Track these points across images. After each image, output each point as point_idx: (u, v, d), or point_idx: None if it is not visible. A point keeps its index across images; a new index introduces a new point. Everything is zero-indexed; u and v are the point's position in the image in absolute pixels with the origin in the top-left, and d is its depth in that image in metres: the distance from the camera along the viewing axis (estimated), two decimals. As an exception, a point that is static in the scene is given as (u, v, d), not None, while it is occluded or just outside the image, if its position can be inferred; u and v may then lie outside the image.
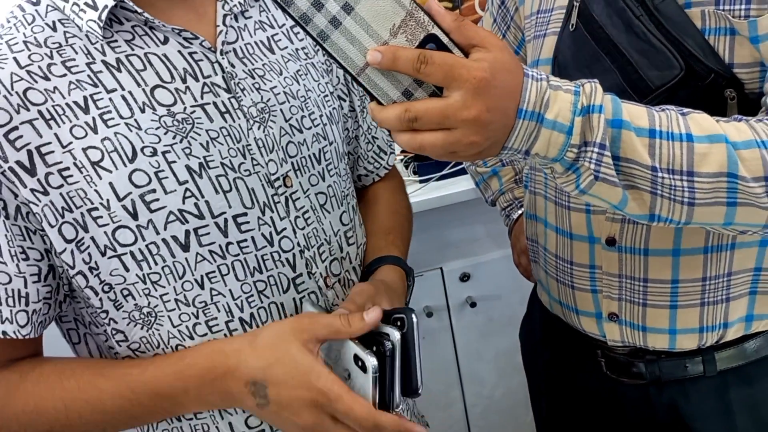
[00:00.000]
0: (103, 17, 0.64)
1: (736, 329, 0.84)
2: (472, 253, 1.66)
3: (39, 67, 0.64)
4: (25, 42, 0.64)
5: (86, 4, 0.65)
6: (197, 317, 0.69)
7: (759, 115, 0.69)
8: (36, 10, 0.67)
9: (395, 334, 0.66)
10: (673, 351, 0.85)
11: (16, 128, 0.62)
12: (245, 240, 0.69)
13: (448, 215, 1.58)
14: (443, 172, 1.59)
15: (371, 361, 0.64)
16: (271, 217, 0.71)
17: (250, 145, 0.70)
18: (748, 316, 0.84)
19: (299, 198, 0.74)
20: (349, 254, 0.81)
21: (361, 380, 0.66)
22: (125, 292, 0.67)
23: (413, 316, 0.68)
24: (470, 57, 0.56)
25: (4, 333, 0.65)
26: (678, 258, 0.81)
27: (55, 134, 0.63)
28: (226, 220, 0.68)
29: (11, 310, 0.65)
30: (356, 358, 0.66)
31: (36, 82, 0.63)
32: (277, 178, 0.72)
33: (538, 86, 0.58)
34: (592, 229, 0.85)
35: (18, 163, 0.62)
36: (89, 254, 0.65)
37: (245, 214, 0.69)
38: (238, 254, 0.69)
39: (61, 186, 0.64)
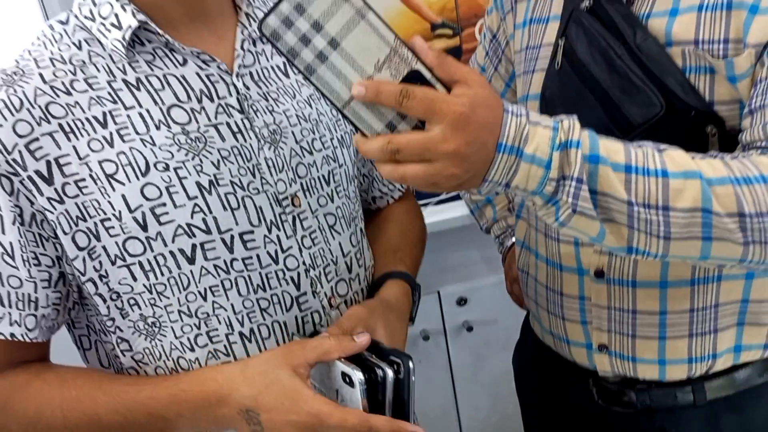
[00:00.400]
0: (127, 37, 0.68)
1: (725, 359, 0.85)
2: (470, 277, 1.67)
3: (62, 82, 0.67)
4: (51, 59, 0.68)
5: (112, 24, 0.68)
6: (199, 328, 0.71)
7: (736, 151, 0.70)
8: (64, 29, 0.71)
9: (389, 372, 0.68)
10: (663, 381, 0.86)
11: (36, 139, 0.65)
12: (250, 257, 0.72)
13: (446, 239, 1.60)
14: (441, 197, 1.61)
15: (357, 375, 0.66)
16: (278, 236, 0.73)
17: (260, 164, 0.72)
18: (737, 347, 0.84)
19: (307, 218, 0.76)
20: (358, 276, 0.82)
21: (349, 395, 0.67)
22: (132, 302, 0.70)
23: (410, 363, 0.69)
24: (452, 92, 0.57)
25: (12, 335, 0.69)
26: (665, 290, 0.82)
27: (74, 146, 0.66)
28: (232, 237, 0.70)
29: (20, 314, 0.69)
30: (344, 375, 0.68)
31: (58, 96, 0.66)
32: (286, 198, 0.74)
33: (517, 121, 0.60)
34: (580, 261, 0.86)
35: (36, 172, 0.65)
36: (100, 262, 0.68)
37: (251, 232, 0.72)
38: (242, 270, 0.71)
39: (77, 196, 0.67)
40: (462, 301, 1.66)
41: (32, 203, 0.66)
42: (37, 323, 0.70)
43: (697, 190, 0.62)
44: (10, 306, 0.68)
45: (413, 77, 0.58)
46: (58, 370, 0.73)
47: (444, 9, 1.59)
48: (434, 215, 1.57)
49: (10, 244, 0.66)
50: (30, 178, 0.65)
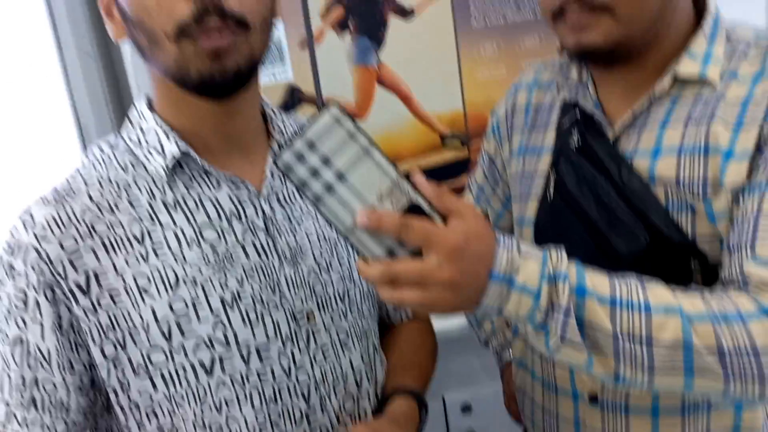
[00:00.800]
0: (170, 164, 0.74)
1: None
2: (474, 383, 1.66)
3: (108, 201, 0.73)
4: (99, 180, 0.74)
5: (156, 151, 0.75)
6: None
7: (717, 286, 0.73)
8: (113, 152, 0.77)
9: None
10: None
11: (79, 253, 0.70)
12: (264, 370, 0.74)
13: (451, 345, 1.60)
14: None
15: None
16: (291, 350, 0.76)
17: (280, 281, 0.76)
18: None
19: (320, 333, 0.79)
20: (368, 392, 0.84)
21: None
22: (150, 412, 0.72)
23: None
24: (447, 224, 0.61)
25: None
26: (657, 419, 0.82)
27: (112, 261, 0.71)
28: (249, 350, 0.73)
29: (52, 419, 0.71)
30: None
31: (103, 215, 0.72)
32: (302, 314, 0.77)
33: (508, 254, 0.63)
34: (575, 384, 0.87)
35: (76, 283, 0.70)
36: (123, 371, 0.71)
37: (267, 346, 0.74)
38: (257, 383, 0.74)
39: (110, 307, 0.71)
40: (467, 408, 1.65)
41: (70, 311, 0.70)
42: (67, 429, 0.72)
43: (678, 326, 0.64)
44: (43, 411, 0.71)
45: (413, 208, 0.62)
46: None
47: (453, 122, 1.66)
48: (439, 321, 1.58)
49: (48, 350, 0.70)
50: (70, 288, 0.70)
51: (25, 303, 0.70)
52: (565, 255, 0.66)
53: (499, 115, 1.01)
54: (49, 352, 0.70)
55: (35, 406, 0.70)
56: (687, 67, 0.77)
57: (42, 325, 0.70)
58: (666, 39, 0.78)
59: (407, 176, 0.62)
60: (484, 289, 0.63)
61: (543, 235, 0.88)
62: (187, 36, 0.67)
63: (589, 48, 0.76)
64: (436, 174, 1.68)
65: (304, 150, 0.60)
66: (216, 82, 0.70)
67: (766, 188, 0.70)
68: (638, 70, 0.80)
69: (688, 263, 0.76)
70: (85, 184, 0.74)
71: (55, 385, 0.71)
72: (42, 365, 0.70)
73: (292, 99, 1.58)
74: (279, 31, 1.54)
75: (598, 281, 0.66)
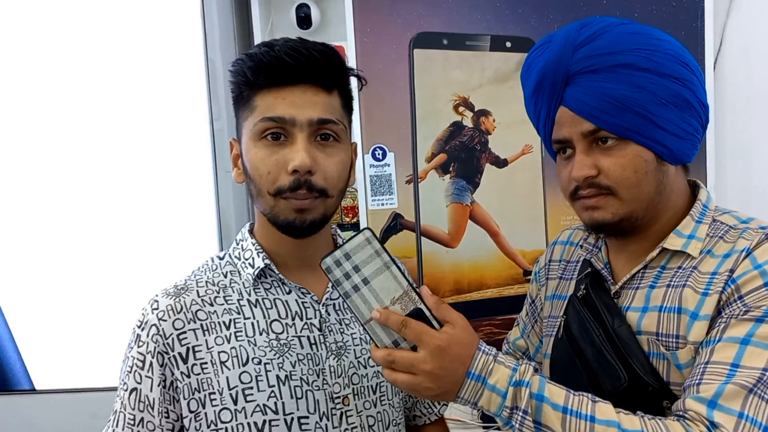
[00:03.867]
0: (255, 274, 0.97)
1: None
2: None
3: (209, 298, 0.96)
4: (206, 281, 0.98)
5: (249, 264, 0.99)
6: None
7: (669, 412, 0.86)
8: (219, 263, 1.02)
9: None
10: None
11: (185, 332, 0.93)
12: None
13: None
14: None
15: None
16: (326, 425, 0.96)
17: (324, 369, 0.97)
18: None
19: (352, 415, 0.98)
20: None
21: None
22: None
23: None
24: (441, 329, 0.81)
25: None
26: None
27: (206, 340, 0.93)
28: (292, 419, 0.92)
29: None
30: None
31: (204, 306, 0.95)
32: (338, 397, 0.97)
33: (485, 358, 0.82)
34: None
35: (179, 353, 0.92)
36: (200, 424, 0.93)
37: (307, 418, 0.93)
38: None
39: (198, 374, 0.92)
40: None
41: (172, 373, 0.92)
42: None
43: None
44: None
45: (417, 313, 0.81)
46: None
47: (535, 259, 1.84)
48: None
49: (153, 399, 0.92)
50: (173, 357, 0.92)
51: (143, 363, 0.92)
52: (532, 367, 0.83)
53: (540, 264, 1.21)
54: (154, 401, 0.92)
55: None
56: (673, 242, 0.94)
57: (152, 380, 0.92)
58: (664, 217, 0.96)
59: (416, 288, 0.83)
60: (461, 384, 0.82)
61: (554, 368, 1.05)
62: (282, 196, 0.91)
63: (600, 223, 0.95)
64: (518, 304, 1.86)
65: (341, 258, 0.81)
66: (296, 228, 0.93)
67: (716, 342, 0.84)
68: (640, 241, 0.98)
69: (660, 404, 0.90)
70: (196, 284, 0.97)
71: (154, 426, 0.92)
72: (148, 410, 0.92)
73: (395, 223, 1.85)
74: (391, 168, 1.84)
75: (555, 392, 0.83)
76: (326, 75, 0.92)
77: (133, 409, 0.93)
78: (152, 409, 0.93)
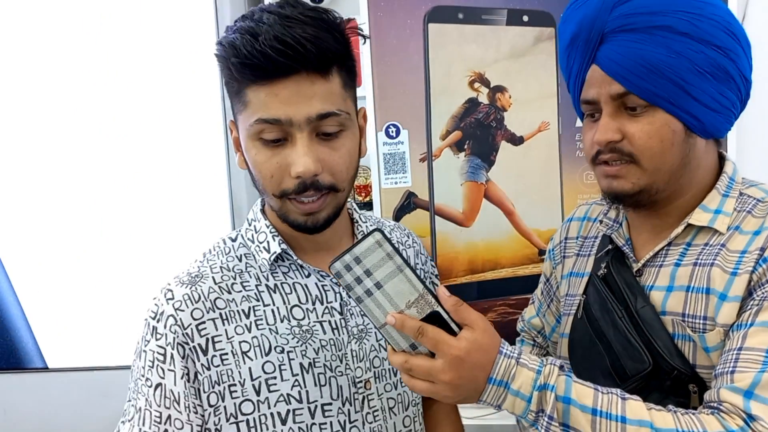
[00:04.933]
0: (272, 258, 0.93)
1: None
2: None
3: (227, 284, 0.92)
4: (221, 267, 0.94)
5: (264, 248, 0.94)
6: None
7: (699, 408, 0.83)
8: (232, 245, 0.97)
9: None
10: None
11: (204, 322, 0.89)
12: (325, 423, 0.91)
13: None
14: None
15: None
16: (348, 410, 0.94)
17: (347, 354, 0.95)
18: None
19: (373, 399, 0.96)
20: None
21: None
22: None
23: None
24: (458, 335, 0.77)
25: None
26: None
27: (225, 330, 0.89)
28: (316, 407, 0.90)
29: None
30: None
31: (223, 294, 0.91)
32: (360, 381, 0.95)
33: (507, 362, 0.78)
34: None
35: (198, 344, 0.88)
36: (219, 418, 0.89)
37: (330, 404, 0.91)
38: (322, 430, 0.91)
39: (218, 366, 0.88)
40: None
41: (194, 365, 0.88)
42: None
43: None
44: None
45: (433, 316, 0.77)
46: None
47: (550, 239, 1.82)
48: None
49: (178, 393, 0.87)
50: (193, 348, 0.88)
51: (164, 356, 0.87)
52: (556, 368, 0.79)
53: (554, 242, 1.18)
54: (179, 395, 0.87)
55: None
56: (699, 217, 0.91)
57: (174, 373, 0.87)
58: (689, 192, 0.93)
59: (433, 290, 0.78)
60: (482, 390, 0.78)
61: (573, 348, 1.02)
62: (288, 197, 0.87)
63: (619, 193, 0.92)
64: (533, 283, 1.83)
65: (351, 263, 0.76)
66: (308, 228, 0.89)
67: (749, 326, 0.81)
68: (664, 216, 0.94)
69: (686, 387, 0.87)
70: (211, 270, 0.93)
71: (182, 423, 0.87)
72: (174, 406, 0.87)
73: (408, 202, 1.83)
74: (404, 146, 1.81)
75: (582, 392, 0.79)
76: (320, 61, 0.83)
77: (159, 406, 0.88)
78: (178, 404, 0.88)
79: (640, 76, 0.85)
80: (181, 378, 0.88)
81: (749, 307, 0.83)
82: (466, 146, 1.79)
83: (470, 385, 0.77)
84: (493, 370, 0.78)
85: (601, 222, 1.07)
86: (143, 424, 0.88)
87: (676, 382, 0.88)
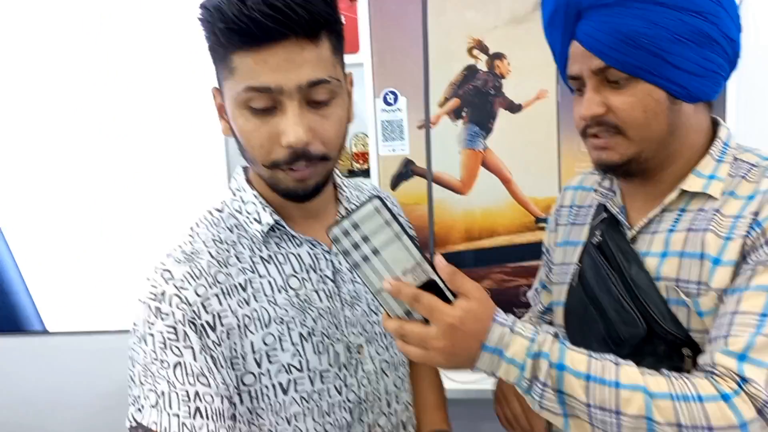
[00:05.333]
0: (265, 230, 0.92)
1: None
2: None
3: (223, 258, 0.90)
4: (213, 240, 0.92)
5: (255, 219, 0.93)
6: None
7: (693, 372, 0.84)
8: (220, 216, 0.95)
9: None
10: None
11: (208, 299, 0.86)
12: (324, 389, 0.92)
13: (485, 407, 1.69)
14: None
15: None
16: (345, 374, 0.95)
17: (340, 320, 0.96)
18: None
19: (367, 363, 0.98)
20: (396, 411, 1.03)
21: None
22: (236, 419, 0.91)
23: None
24: (453, 303, 0.77)
25: None
26: None
27: (228, 305, 0.87)
28: (315, 374, 0.91)
29: (216, 425, 0.82)
30: None
31: (222, 268, 0.89)
32: (355, 347, 0.97)
33: (502, 330, 0.79)
34: None
35: (207, 322, 0.85)
36: None
37: (328, 371, 0.92)
38: (318, 400, 0.91)
39: (225, 342, 0.86)
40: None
41: (207, 342, 0.85)
42: None
43: (641, 402, 0.77)
44: (207, 418, 0.82)
45: (429, 284, 0.77)
46: None
47: (548, 207, 1.82)
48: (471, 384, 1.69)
49: (201, 368, 0.83)
50: (203, 324, 0.85)
51: (176, 334, 0.83)
52: (550, 336, 0.80)
53: (552, 211, 1.19)
54: (201, 369, 0.83)
55: (200, 414, 0.81)
56: (692, 183, 0.91)
57: (192, 348, 0.83)
58: (681, 159, 0.93)
59: (430, 259, 0.78)
60: (476, 358, 0.79)
61: (568, 316, 1.03)
62: (279, 167, 0.85)
63: (608, 164, 0.92)
64: (529, 251, 1.85)
65: (349, 228, 0.76)
66: (300, 195, 0.88)
67: (744, 290, 0.82)
68: (657, 183, 0.95)
69: (680, 352, 0.89)
70: (205, 245, 0.91)
71: (212, 397, 0.83)
72: (199, 380, 0.82)
73: (406, 170, 1.83)
74: (402, 113, 1.80)
75: (576, 359, 0.79)
76: (310, 26, 0.80)
77: (184, 384, 0.82)
78: (204, 377, 0.84)
79: (618, 50, 0.86)
80: (200, 352, 0.84)
81: (743, 271, 0.83)
82: (464, 114, 1.79)
83: (464, 353, 0.78)
84: (488, 338, 0.78)
85: (595, 191, 1.07)
86: (170, 407, 0.81)
87: (670, 347, 0.89)
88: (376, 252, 0.77)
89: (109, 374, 2.11)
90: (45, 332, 2.15)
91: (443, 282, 0.78)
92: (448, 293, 0.78)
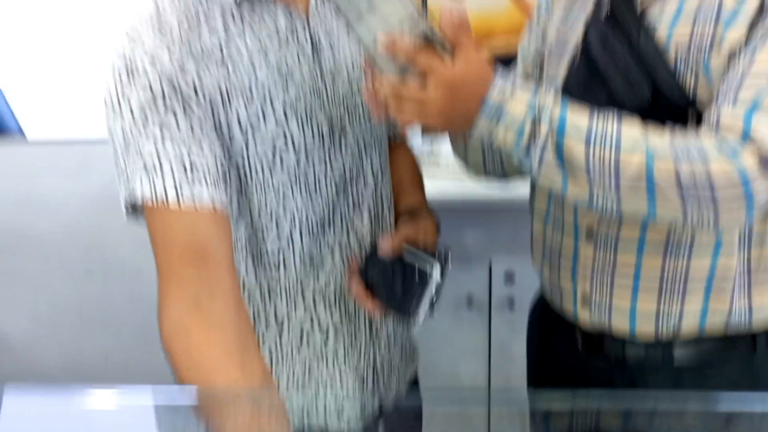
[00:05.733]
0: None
1: (691, 324, 0.95)
2: (519, 253, 1.75)
3: (194, 24, 0.84)
4: (180, 7, 0.84)
5: None
6: (271, 220, 0.92)
7: (700, 127, 0.83)
8: None
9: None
10: (635, 339, 0.98)
11: (185, 70, 0.82)
12: (310, 167, 0.92)
13: (501, 214, 1.71)
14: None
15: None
16: (329, 151, 0.93)
17: (322, 93, 0.92)
18: (703, 310, 0.95)
19: (349, 138, 0.96)
20: (376, 182, 1.03)
21: None
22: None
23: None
24: (453, 59, 0.74)
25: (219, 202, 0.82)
26: (641, 256, 0.94)
27: (207, 72, 0.83)
28: (300, 150, 0.90)
29: (214, 183, 0.82)
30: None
31: (192, 33, 0.83)
32: (338, 123, 0.94)
33: (503, 84, 0.77)
34: (577, 220, 0.99)
35: (186, 86, 0.81)
36: None
37: (313, 148, 0.91)
38: (305, 178, 0.91)
39: (209, 117, 0.83)
40: (509, 278, 1.78)
41: (190, 106, 0.81)
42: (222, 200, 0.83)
43: (642, 161, 0.77)
44: (209, 186, 0.81)
45: (424, 37, 0.75)
46: None
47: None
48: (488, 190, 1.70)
49: (189, 126, 0.81)
50: (181, 89, 0.81)
51: (153, 96, 0.79)
52: (553, 91, 0.79)
53: None
54: (191, 128, 0.81)
55: (198, 181, 0.80)
56: None
57: (175, 112, 0.80)
58: None
59: (425, 14, 0.75)
60: (473, 121, 0.77)
61: (568, 92, 0.99)
62: None
63: None
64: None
65: None
66: None
67: (757, 49, 0.79)
68: None
69: (686, 120, 0.86)
70: (173, 11, 0.84)
71: (206, 161, 0.81)
72: (187, 140, 0.80)
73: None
74: None
75: (578, 115, 0.79)
76: None
77: (174, 149, 0.79)
78: (192, 136, 0.81)
79: None
80: (184, 113, 0.80)
81: (758, 30, 0.80)
82: None
83: (462, 112, 0.76)
84: (488, 93, 0.76)
85: None
86: (162, 175, 0.79)
87: (676, 116, 0.87)
88: (372, 7, 0.74)
89: (91, 183, 2.05)
90: (24, 140, 2.10)
91: (440, 43, 0.75)
92: (441, 49, 0.75)
